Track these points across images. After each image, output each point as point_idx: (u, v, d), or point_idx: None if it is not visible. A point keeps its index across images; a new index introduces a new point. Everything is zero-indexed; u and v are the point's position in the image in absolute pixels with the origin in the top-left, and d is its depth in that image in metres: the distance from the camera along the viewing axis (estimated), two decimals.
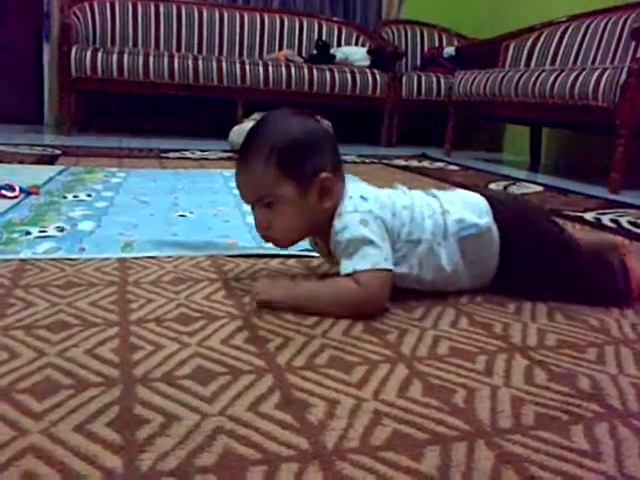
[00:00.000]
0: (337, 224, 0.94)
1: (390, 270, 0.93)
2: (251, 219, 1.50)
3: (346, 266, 0.93)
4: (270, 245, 1.07)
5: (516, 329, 0.91)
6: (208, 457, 0.55)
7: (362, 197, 0.97)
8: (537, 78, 2.83)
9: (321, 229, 0.98)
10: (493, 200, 1.05)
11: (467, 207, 1.03)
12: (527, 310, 0.99)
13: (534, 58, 3.49)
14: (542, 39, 3.47)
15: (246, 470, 0.53)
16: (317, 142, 0.96)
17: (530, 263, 1.02)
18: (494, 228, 1.02)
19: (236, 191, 1.87)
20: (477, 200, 1.05)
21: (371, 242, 0.92)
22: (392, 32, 4.49)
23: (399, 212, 0.99)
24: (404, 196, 1.04)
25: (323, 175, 0.94)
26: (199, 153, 3.00)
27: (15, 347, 0.75)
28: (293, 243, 1.02)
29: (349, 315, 0.90)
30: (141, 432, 0.58)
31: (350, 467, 0.55)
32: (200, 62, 3.61)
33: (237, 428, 0.60)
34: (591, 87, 2.49)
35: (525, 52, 3.54)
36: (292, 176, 0.93)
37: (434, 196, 1.05)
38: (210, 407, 0.64)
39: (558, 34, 3.37)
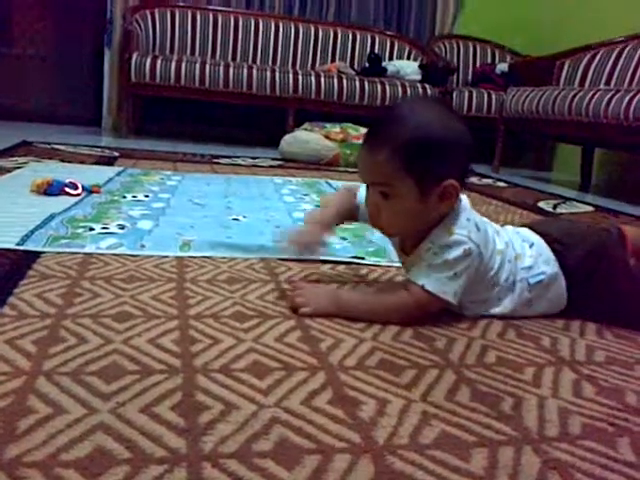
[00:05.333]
0: (445, 239, 0.92)
1: (447, 303, 0.93)
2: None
3: (418, 275, 0.93)
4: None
5: (564, 344, 0.91)
6: (265, 444, 0.58)
7: (477, 226, 0.95)
8: (592, 97, 2.81)
9: (420, 231, 0.96)
10: (556, 247, 1.02)
11: (534, 254, 1.01)
12: (576, 326, 1.00)
13: (589, 77, 3.45)
14: (598, 58, 3.44)
15: (302, 458, 0.56)
16: (452, 145, 0.91)
17: (603, 298, 1.00)
18: (561, 277, 1.01)
19: (287, 198, 1.93)
20: (543, 245, 1.02)
21: (455, 274, 0.92)
22: (445, 47, 4.50)
23: (495, 254, 0.98)
24: (501, 236, 1.01)
25: (448, 182, 0.90)
26: (250, 160, 3.06)
27: (83, 333, 0.80)
28: (398, 235, 1.02)
29: (395, 320, 0.93)
30: (202, 417, 0.62)
31: (400, 462, 0.57)
32: (254, 71, 3.69)
33: (292, 419, 0.63)
34: None
35: (580, 71, 3.51)
36: (417, 177, 0.89)
37: (509, 242, 1.02)
38: (266, 399, 0.67)
39: (614, 54, 3.33)
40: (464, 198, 0.97)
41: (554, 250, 1.02)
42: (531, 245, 1.03)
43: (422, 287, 0.92)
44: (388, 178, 0.91)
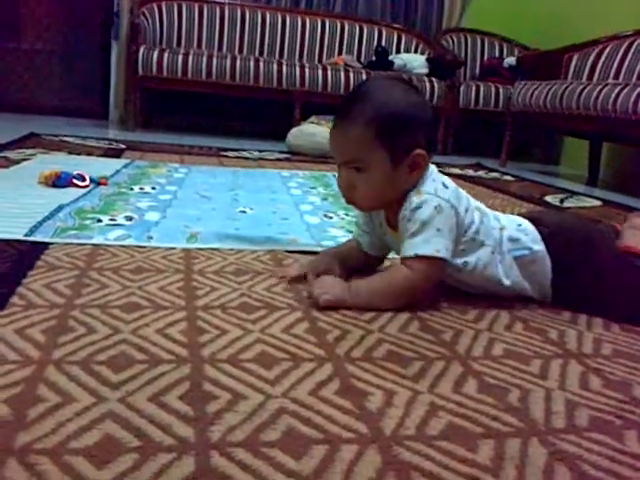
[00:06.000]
0: (415, 199, 0.96)
1: (446, 260, 0.95)
2: (309, 218, 1.55)
3: (408, 248, 0.95)
4: (327, 243, 1.10)
5: (571, 336, 0.91)
6: (273, 433, 0.58)
7: (444, 184, 0.99)
8: (600, 91, 2.79)
9: (394, 201, 0.99)
10: (542, 230, 1.04)
11: (521, 231, 1.04)
12: (583, 319, 1.00)
13: (597, 71, 3.43)
14: (606, 52, 3.41)
15: (309, 448, 0.57)
16: (418, 117, 0.97)
17: (589, 289, 1.01)
18: (547, 258, 1.02)
19: (294, 191, 1.93)
20: (530, 228, 1.05)
21: (438, 230, 0.94)
22: (452, 40, 4.48)
23: (472, 210, 1.01)
24: (478, 202, 1.06)
25: (418, 151, 0.96)
26: (257, 153, 3.06)
27: (92, 323, 0.80)
28: (372, 209, 1.04)
29: (405, 302, 0.95)
30: (210, 406, 0.62)
31: (407, 452, 0.57)
32: (261, 64, 3.69)
33: (299, 410, 0.63)
34: None
35: (588, 65, 3.49)
36: (388, 147, 0.94)
37: (497, 217, 1.06)
38: (273, 389, 0.67)
39: (623, 48, 3.31)
40: (431, 166, 1.01)
41: (541, 233, 1.04)
42: (519, 225, 1.05)
43: (416, 256, 0.94)
44: (362, 152, 0.95)
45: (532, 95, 3.33)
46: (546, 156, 4.39)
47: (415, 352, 0.81)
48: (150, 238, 1.24)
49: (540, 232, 1.04)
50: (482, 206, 1.05)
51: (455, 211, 0.97)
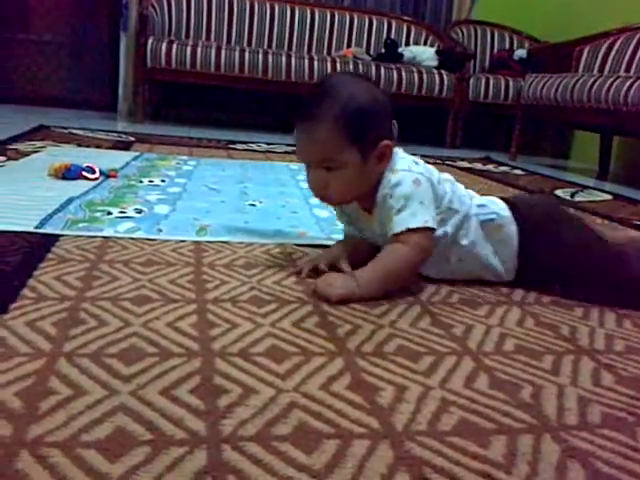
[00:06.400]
0: (392, 177, 0.99)
1: (434, 229, 0.99)
2: (318, 212, 1.55)
3: (397, 224, 0.97)
4: (336, 237, 1.10)
5: (583, 332, 0.91)
6: (284, 427, 0.58)
7: (414, 161, 1.03)
8: (611, 84, 2.77)
9: (368, 191, 1.02)
10: (511, 202, 1.10)
11: (490, 201, 1.10)
12: (595, 315, 0.99)
13: (608, 64, 3.40)
14: (617, 45, 3.38)
15: (320, 442, 0.56)
16: (381, 111, 1.00)
17: (552, 262, 1.05)
18: (514, 225, 1.06)
19: (303, 184, 1.93)
20: (498, 200, 1.11)
21: (421, 202, 0.97)
22: (462, 33, 4.45)
23: (443, 182, 1.05)
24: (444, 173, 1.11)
25: (385, 142, 0.99)
26: (265, 146, 3.06)
27: (102, 316, 0.80)
28: (345, 203, 1.06)
29: (410, 277, 1.01)
30: (222, 400, 0.62)
31: (419, 448, 0.57)
32: (270, 57, 3.68)
33: (310, 404, 0.63)
34: None
35: (599, 57, 3.46)
36: (357, 144, 0.96)
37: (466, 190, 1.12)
38: (284, 383, 0.67)
39: (634, 40, 3.28)
40: (395, 148, 1.03)
41: (507, 203, 1.10)
42: (489, 199, 1.12)
43: (408, 230, 0.96)
44: (333, 152, 0.97)
45: (542, 88, 3.30)
46: (556, 150, 4.36)
47: (426, 347, 0.80)
48: (160, 231, 1.24)
49: (507, 202, 1.10)
50: (450, 177, 1.09)
51: (431, 183, 1.01)
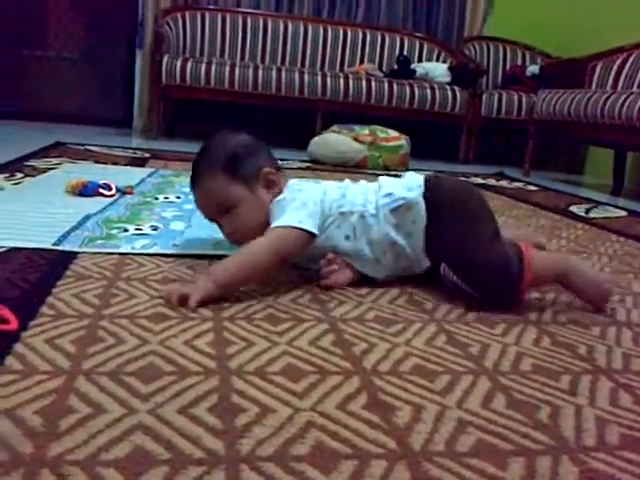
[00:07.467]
0: (275, 206, 1.09)
1: (306, 232, 1.04)
2: None
3: (273, 224, 1.05)
4: None
5: (601, 352, 0.90)
6: (302, 448, 0.58)
7: (299, 189, 1.11)
8: (625, 100, 2.77)
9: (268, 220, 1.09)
10: (431, 179, 1.14)
11: (399, 185, 1.14)
12: (612, 333, 0.98)
13: (621, 80, 3.40)
14: (631, 60, 3.38)
15: (338, 462, 0.56)
16: (252, 148, 1.14)
17: (450, 236, 1.08)
18: (422, 202, 1.10)
19: None
20: (412, 179, 1.15)
21: (296, 208, 1.05)
22: (474, 49, 4.47)
23: (331, 191, 1.13)
24: (341, 183, 1.19)
25: (265, 170, 1.12)
26: (279, 162, 3.07)
27: (120, 333, 0.81)
28: (253, 237, 1.05)
29: (266, 271, 1.04)
30: (239, 419, 0.62)
31: (436, 469, 0.57)
32: (283, 73, 3.71)
33: (327, 424, 0.63)
34: None
35: (612, 73, 3.46)
36: (239, 177, 1.10)
37: (377, 182, 1.17)
38: (301, 402, 0.67)
39: None
40: (291, 181, 1.16)
41: (426, 182, 1.14)
42: (403, 181, 1.16)
43: (275, 227, 1.04)
44: (222, 194, 1.10)
45: (555, 104, 3.30)
46: (570, 165, 4.35)
47: (442, 366, 0.80)
48: (175, 246, 1.25)
49: (428, 182, 1.13)
50: (345, 183, 1.18)
51: (314, 202, 1.08)
